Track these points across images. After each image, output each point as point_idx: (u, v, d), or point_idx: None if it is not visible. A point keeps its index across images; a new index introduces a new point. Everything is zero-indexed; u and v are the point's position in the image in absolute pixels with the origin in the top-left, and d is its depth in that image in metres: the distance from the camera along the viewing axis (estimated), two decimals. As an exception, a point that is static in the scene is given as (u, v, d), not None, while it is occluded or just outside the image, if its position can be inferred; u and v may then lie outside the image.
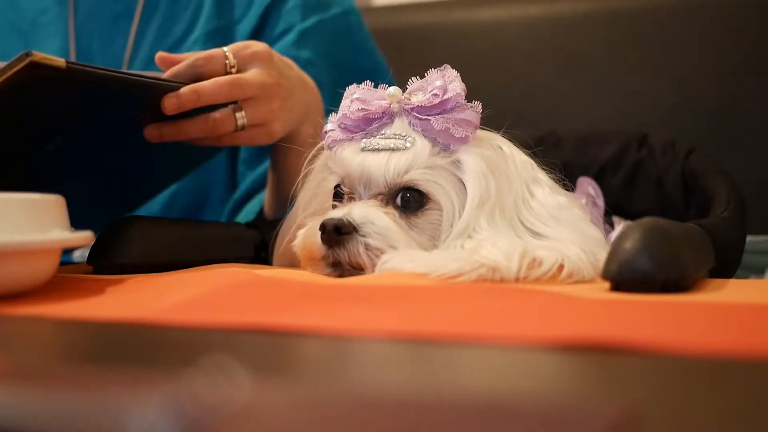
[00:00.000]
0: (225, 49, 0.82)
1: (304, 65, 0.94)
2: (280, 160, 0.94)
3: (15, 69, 0.65)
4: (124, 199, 0.96)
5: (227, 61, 0.81)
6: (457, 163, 0.68)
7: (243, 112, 0.82)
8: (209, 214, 1.08)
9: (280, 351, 0.42)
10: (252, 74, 0.81)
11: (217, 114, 0.81)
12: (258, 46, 0.84)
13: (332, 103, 0.74)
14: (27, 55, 0.64)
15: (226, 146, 0.92)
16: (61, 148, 0.82)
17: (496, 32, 1.37)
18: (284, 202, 0.87)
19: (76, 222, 0.61)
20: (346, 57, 1.07)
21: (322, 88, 0.94)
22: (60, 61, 0.66)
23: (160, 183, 0.98)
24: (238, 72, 0.82)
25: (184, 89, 0.78)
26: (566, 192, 0.71)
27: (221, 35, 1.05)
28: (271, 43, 0.93)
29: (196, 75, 0.80)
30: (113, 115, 0.80)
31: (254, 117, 0.82)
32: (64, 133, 0.81)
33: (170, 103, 0.77)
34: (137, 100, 0.79)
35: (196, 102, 0.78)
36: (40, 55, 0.65)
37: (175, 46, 1.06)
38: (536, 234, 0.66)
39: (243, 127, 0.82)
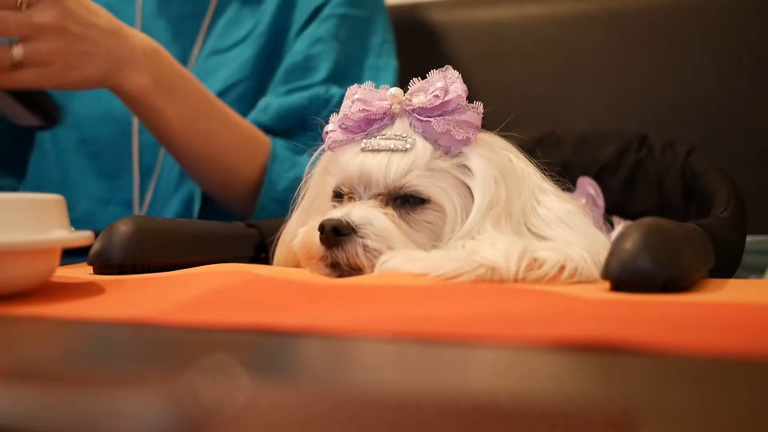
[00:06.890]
0: None
1: (314, 42, 1.03)
2: (152, 119, 0.95)
3: None
4: None
5: None
6: (462, 167, 0.67)
7: (21, 49, 0.82)
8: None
9: (280, 351, 0.42)
10: (26, 13, 0.82)
11: None
12: None
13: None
14: None
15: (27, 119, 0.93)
16: None
17: (495, 32, 1.37)
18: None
19: None
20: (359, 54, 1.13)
21: (321, 63, 1.04)
22: None
23: None
24: (28, 9, 0.82)
25: None
26: (571, 198, 0.71)
27: (277, 34, 1.12)
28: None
29: None
30: None
31: (35, 56, 0.83)
32: None
33: None
34: None
35: None
36: None
37: (238, 44, 1.12)
38: (541, 237, 0.66)
39: (20, 64, 0.82)
